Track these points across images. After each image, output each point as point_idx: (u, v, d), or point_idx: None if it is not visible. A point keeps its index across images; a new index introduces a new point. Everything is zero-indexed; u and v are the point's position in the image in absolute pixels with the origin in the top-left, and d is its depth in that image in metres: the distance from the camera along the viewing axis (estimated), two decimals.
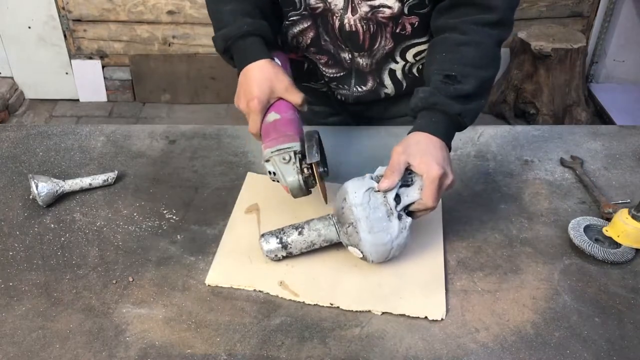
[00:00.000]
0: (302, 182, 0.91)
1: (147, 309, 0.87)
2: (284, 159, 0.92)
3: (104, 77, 3.23)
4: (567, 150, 1.23)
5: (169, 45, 3.16)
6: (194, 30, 3.10)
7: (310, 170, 0.92)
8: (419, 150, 0.89)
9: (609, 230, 0.99)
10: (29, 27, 3.06)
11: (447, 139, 0.94)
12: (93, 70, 3.21)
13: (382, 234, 0.87)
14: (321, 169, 0.93)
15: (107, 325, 0.84)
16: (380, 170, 0.92)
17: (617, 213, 0.99)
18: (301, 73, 1.22)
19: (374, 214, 0.87)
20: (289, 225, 0.94)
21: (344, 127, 1.29)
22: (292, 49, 1.18)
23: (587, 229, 1.00)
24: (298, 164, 0.91)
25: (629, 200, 1.08)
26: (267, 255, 0.93)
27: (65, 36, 3.11)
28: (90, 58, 3.20)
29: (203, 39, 3.12)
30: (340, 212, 0.89)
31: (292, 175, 0.91)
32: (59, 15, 3.04)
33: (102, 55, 3.19)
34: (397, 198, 0.88)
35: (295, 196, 0.94)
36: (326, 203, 0.95)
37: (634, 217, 0.96)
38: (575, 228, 1.00)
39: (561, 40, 2.92)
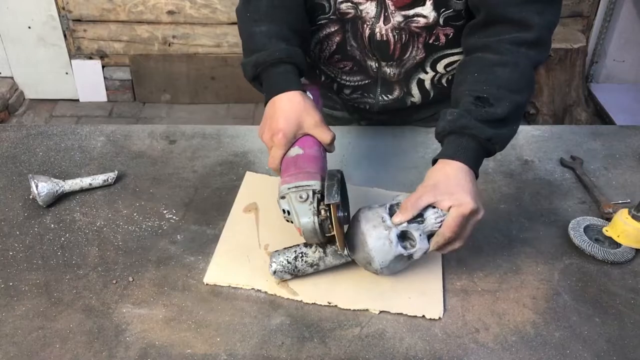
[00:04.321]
0: (317, 225, 0.82)
1: (147, 309, 0.87)
2: (300, 197, 0.82)
3: (104, 77, 3.23)
4: (567, 150, 1.23)
5: (169, 45, 3.15)
6: (194, 30, 3.09)
7: (328, 213, 0.82)
8: (449, 187, 0.83)
9: (609, 230, 0.99)
10: (29, 27, 3.06)
11: (475, 167, 0.87)
12: (93, 70, 3.21)
13: (399, 264, 0.86)
14: (340, 214, 0.84)
15: (107, 325, 0.84)
16: (398, 198, 0.87)
17: (617, 213, 0.99)
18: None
19: (393, 259, 0.84)
20: (304, 262, 0.89)
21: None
22: (315, 57, 1.14)
23: (587, 229, 1.00)
24: (315, 205, 0.82)
25: (629, 200, 1.08)
26: (272, 274, 0.90)
27: (65, 36, 3.11)
28: (90, 58, 3.20)
29: (203, 39, 3.12)
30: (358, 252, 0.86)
31: (306, 217, 0.82)
32: (59, 15, 3.04)
33: (102, 55, 3.19)
34: (404, 237, 0.85)
35: (308, 240, 0.85)
36: (342, 251, 0.86)
37: (634, 217, 0.96)
38: (575, 228, 1.00)
39: (561, 40, 2.92)
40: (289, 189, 0.84)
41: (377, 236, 0.83)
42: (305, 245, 0.89)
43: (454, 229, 0.82)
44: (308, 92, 0.98)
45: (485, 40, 0.94)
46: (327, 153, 0.96)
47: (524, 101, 0.91)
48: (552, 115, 3.04)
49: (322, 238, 0.84)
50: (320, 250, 0.89)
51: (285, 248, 0.91)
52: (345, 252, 0.88)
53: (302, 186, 0.84)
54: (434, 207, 0.84)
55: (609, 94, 3.17)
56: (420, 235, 0.84)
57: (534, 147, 1.24)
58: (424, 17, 1.01)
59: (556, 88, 3.00)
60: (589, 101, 3.15)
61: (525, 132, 1.29)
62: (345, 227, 0.89)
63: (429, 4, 1.00)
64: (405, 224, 0.83)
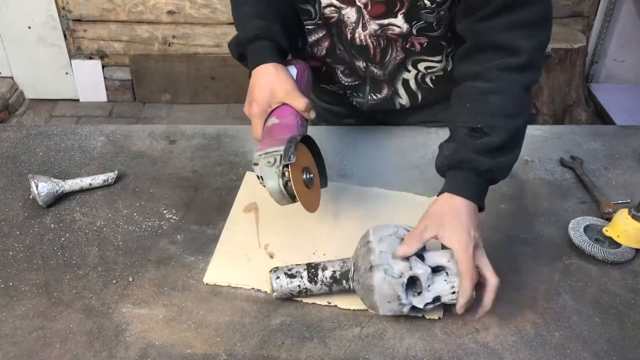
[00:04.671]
0: (281, 186, 0.86)
1: (147, 309, 0.87)
2: (268, 162, 0.87)
3: (104, 77, 3.23)
4: (567, 150, 1.23)
5: (169, 45, 3.15)
6: (194, 30, 3.09)
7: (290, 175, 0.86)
8: (451, 222, 0.83)
9: (609, 230, 0.99)
10: (29, 27, 3.06)
11: (479, 199, 0.87)
12: (93, 70, 3.21)
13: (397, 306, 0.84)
14: (306, 176, 0.88)
15: (107, 325, 0.84)
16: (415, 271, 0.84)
17: (617, 213, 0.99)
18: (319, 75, 1.21)
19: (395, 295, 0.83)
20: (308, 296, 0.88)
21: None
22: (312, 56, 1.17)
23: (587, 229, 1.00)
24: (281, 168, 0.86)
25: (629, 200, 1.08)
26: (274, 291, 0.88)
27: (65, 36, 3.11)
28: (90, 58, 3.20)
29: (203, 39, 3.12)
30: (362, 275, 0.85)
31: (272, 179, 0.86)
32: (59, 15, 3.04)
33: (102, 55, 3.19)
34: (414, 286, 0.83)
35: (278, 202, 0.88)
36: (310, 211, 0.90)
37: (634, 217, 0.96)
38: (575, 228, 1.00)
39: (561, 40, 2.92)
40: (260, 155, 0.89)
41: (389, 309, 0.83)
42: (310, 280, 0.87)
43: (469, 266, 0.80)
44: (294, 66, 1.02)
45: (475, 69, 0.92)
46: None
47: (520, 125, 0.90)
48: (552, 115, 3.04)
49: (290, 200, 0.88)
50: (326, 288, 0.87)
51: (287, 274, 0.87)
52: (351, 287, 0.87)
53: (271, 152, 0.88)
54: (445, 284, 0.82)
55: (609, 94, 3.17)
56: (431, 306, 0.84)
57: (534, 147, 1.24)
58: (398, 27, 1.03)
59: (556, 88, 3.00)
60: (589, 101, 3.15)
61: (526, 132, 1.28)
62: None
63: (400, 17, 1.01)
64: (420, 305, 0.82)
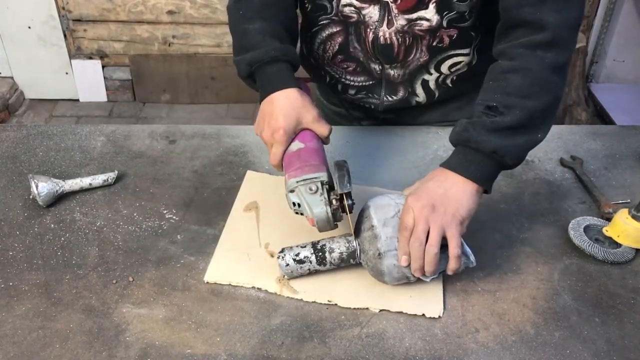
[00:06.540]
0: (330, 214, 0.85)
1: (147, 309, 0.87)
2: (310, 189, 0.86)
3: (104, 77, 3.23)
4: (567, 150, 1.23)
5: (169, 45, 3.16)
6: (194, 30, 3.10)
7: (338, 202, 0.86)
8: (423, 189, 0.86)
9: (609, 230, 0.99)
10: (29, 27, 3.06)
11: (482, 181, 0.87)
12: (93, 70, 3.21)
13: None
14: (350, 202, 0.88)
15: (107, 325, 0.85)
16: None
17: (617, 213, 0.99)
18: (322, 86, 1.19)
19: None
20: (316, 262, 0.90)
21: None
22: (318, 57, 1.15)
23: (587, 229, 1.00)
24: (326, 195, 0.86)
25: (629, 200, 1.08)
26: (284, 271, 0.91)
27: (65, 36, 3.11)
28: (90, 58, 3.20)
29: (203, 39, 3.12)
30: (366, 241, 0.88)
31: (319, 207, 0.85)
32: (59, 15, 3.04)
33: (102, 55, 3.19)
34: None
35: (321, 229, 0.87)
36: (353, 235, 0.90)
37: (634, 217, 0.96)
38: (575, 228, 1.00)
39: None
40: (297, 182, 0.87)
41: (397, 282, 0.89)
42: (318, 263, 0.89)
43: (406, 222, 0.84)
44: (301, 86, 1.00)
45: (502, 47, 0.92)
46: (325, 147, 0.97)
47: (540, 107, 0.88)
48: None
49: (334, 226, 0.87)
50: (334, 266, 0.91)
51: (295, 260, 0.89)
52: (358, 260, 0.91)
53: (310, 178, 0.87)
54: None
55: (609, 94, 3.17)
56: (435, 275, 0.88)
57: (534, 147, 1.24)
58: (427, 20, 1.01)
59: None
60: (589, 101, 3.15)
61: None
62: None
63: (431, 7, 1.00)
64: (428, 280, 0.87)
